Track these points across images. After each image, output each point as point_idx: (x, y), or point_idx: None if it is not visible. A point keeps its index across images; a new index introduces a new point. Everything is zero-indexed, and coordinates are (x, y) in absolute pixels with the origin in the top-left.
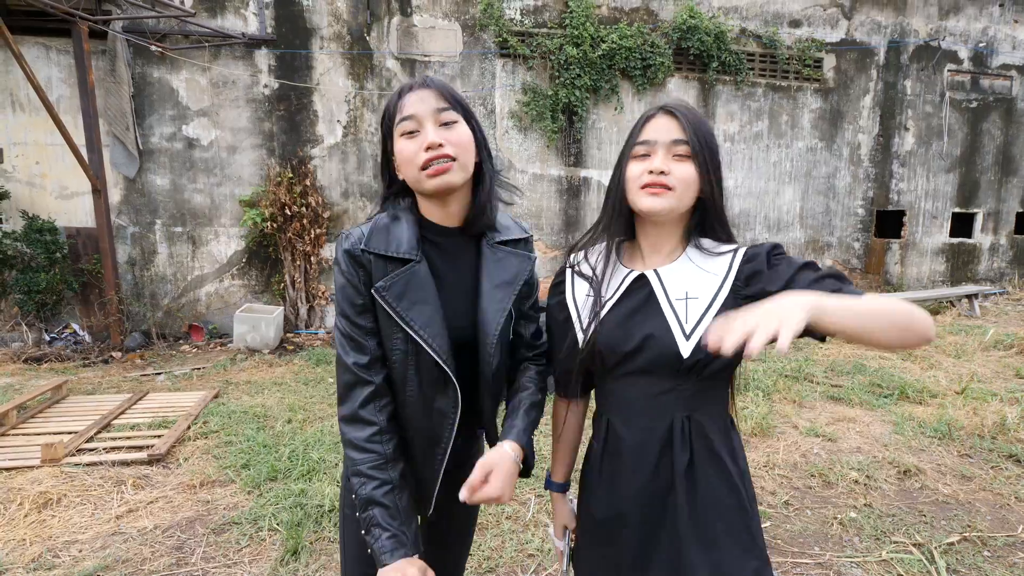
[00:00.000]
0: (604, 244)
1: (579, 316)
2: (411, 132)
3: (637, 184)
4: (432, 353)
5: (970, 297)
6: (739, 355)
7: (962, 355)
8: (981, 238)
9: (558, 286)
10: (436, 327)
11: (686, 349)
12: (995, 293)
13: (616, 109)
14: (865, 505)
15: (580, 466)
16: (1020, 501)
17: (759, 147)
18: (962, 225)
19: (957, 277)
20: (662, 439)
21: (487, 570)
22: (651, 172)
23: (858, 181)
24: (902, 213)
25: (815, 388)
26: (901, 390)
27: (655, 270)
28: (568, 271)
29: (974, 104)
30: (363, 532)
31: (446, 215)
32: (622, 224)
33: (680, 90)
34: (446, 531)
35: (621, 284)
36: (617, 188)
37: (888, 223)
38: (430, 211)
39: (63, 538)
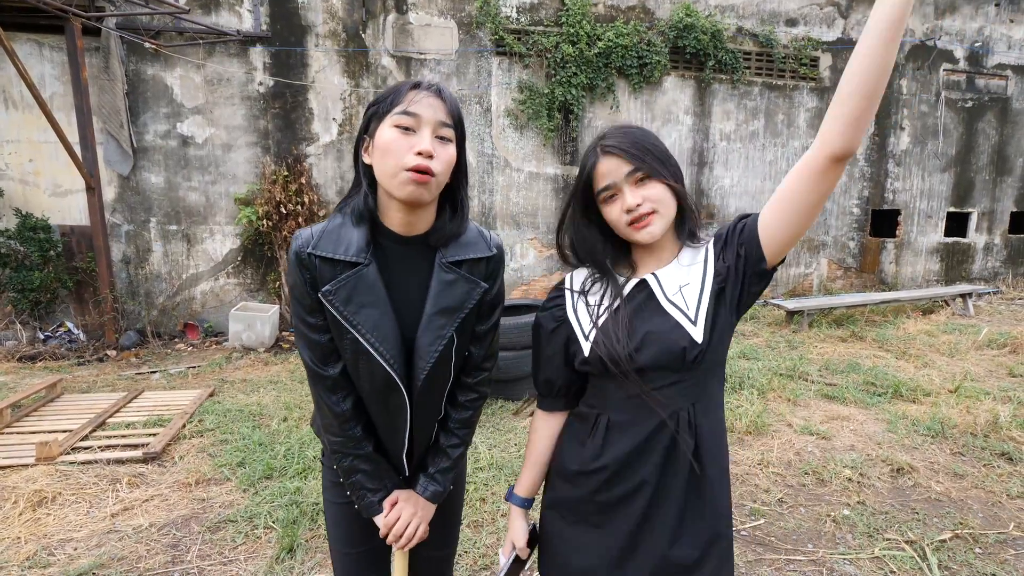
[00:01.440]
0: (594, 265)
1: (579, 324)
2: (407, 128)
3: (623, 224)
4: (379, 357)
5: (964, 296)
6: (732, 328)
7: (956, 354)
8: (976, 237)
9: (555, 299)
10: (385, 330)
11: (698, 334)
12: (989, 292)
13: (612, 107)
14: (858, 503)
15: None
16: (1012, 498)
17: (755, 146)
18: (957, 224)
19: (951, 276)
20: (667, 433)
21: (482, 567)
22: (628, 211)
23: (853, 180)
24: (897, 212)
25: (809, 387)
26: (895, 388)
27: (653, 273)
28: (567, 284)
29: (969, 104)
30: (352, 497)
31: (406, 224)
32: (614, 250)
33: (676, 88)
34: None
35: (621, 291)
36: (587, 232)
37: (883, 222)
38: (390, 217)
39: (58, 536)
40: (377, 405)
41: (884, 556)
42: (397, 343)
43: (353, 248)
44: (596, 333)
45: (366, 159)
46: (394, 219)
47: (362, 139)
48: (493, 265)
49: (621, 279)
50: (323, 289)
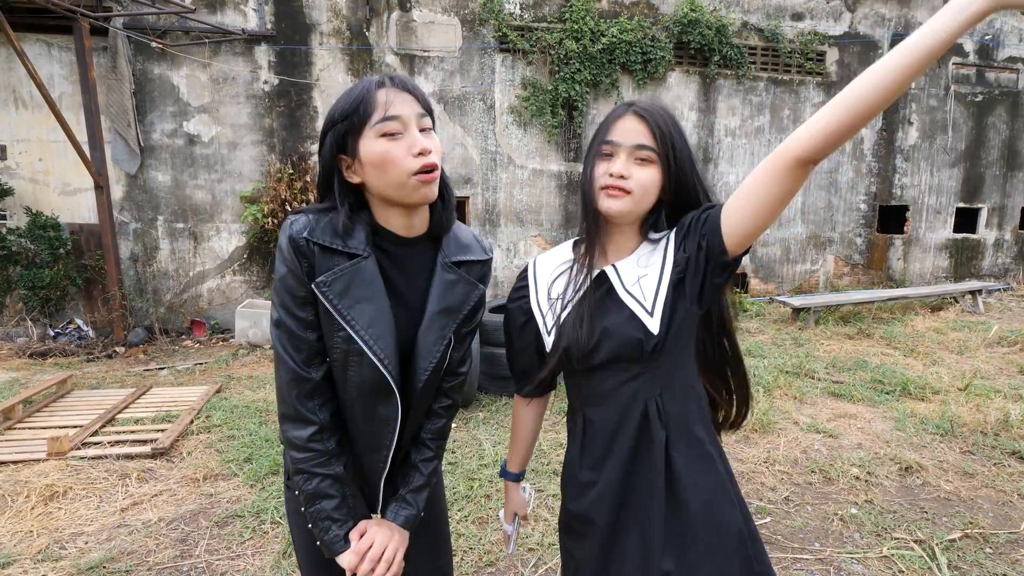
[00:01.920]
0: (566, 247)
1: (544, 319)
2: (395, 134)
3: (598, 184)
4: (373, 356)
5: (974, 293)
6: (695, 318)
7: (965, 351)
8: (985, 233)
9: (520, 290)
10: (381, 328)
11: (654, 325)
12: (999, 289)
13: (616, 104)
14: (866, 501)
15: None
16: (1023, 498)
17: (760, 141)
18: (966, 220)
19: (961, 273)
20: (637, 424)
21: (487, 564)
22: (611, 175)
23: (860, 176)
24: (905, 208)
25: (816, 384)
26: (903, 386)
27: (613, 265)
28: (530, 276)
29: (979, 97)
30: (311, 526)
31: (407, 225)
32: (592, 222)
33: (681, 84)
34: (413, 541)
35: (583, 283)
36: (585, 187)
37: (891, 218)
38: (389, 219)
39: (69, 530)
40: (363, 415)
41: (893, 555)
42: (392, 344)
43: (354, 240)
44: (556, 329)
45: (353, 178)
46: (396, 223)
47: (339, 159)
48: (486, 269)
49: (584, 270)
50: (318, 279)
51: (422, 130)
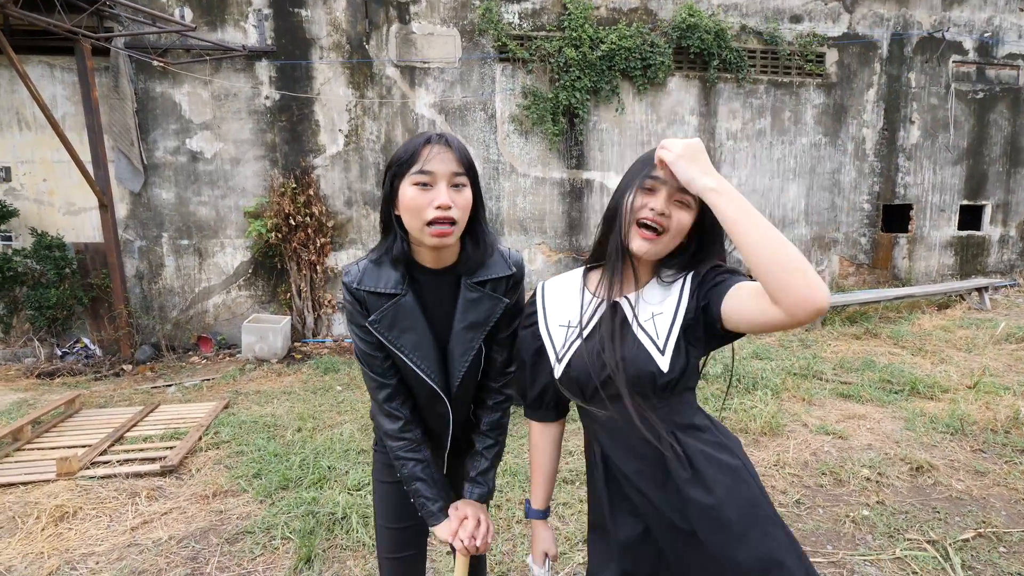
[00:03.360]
0: (576, 274)
1: (554, 347)
2: (424, 184)
3: (635, 219)
4: (420, 373)
5: (980, 290)
6: (700, 357)
7: (973, 349)
8: (990, 230)
9: (530, 316)
10: (424, 349)
11: (664, 363)
12: (1005, 285)
13: (617, 110)
14: (878, 502)
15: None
16: None
17: (762, 144)
18: (971, 217)
19: (966, 270)
20: (657, 458)
21: (499, 574)
22: (652, 209)
23: (863, 176)
24: (909, 207)
25: (824, 386)
26: (912, 386)
27: (626, 297)
28: (539, 301)
29: (980, 95)
30: (412, 500)
31: (435, 260)
32: (616, 252)
33: (681, 89)
34: None
35: (596, 313)
36: (617, 214)
37: (895, 217)
38: (422, 255)
39: (80, 551)
40: (428, 411)
41: (906, 557)
42: (436, 358)
43: (391, 282)
44: (569, 356)
45: (396, 212)
46: (425, 257)
47: (391, 198)
48: (513, 282)
49: (596, 299)
50: (370, 319)
51: (454, 185)
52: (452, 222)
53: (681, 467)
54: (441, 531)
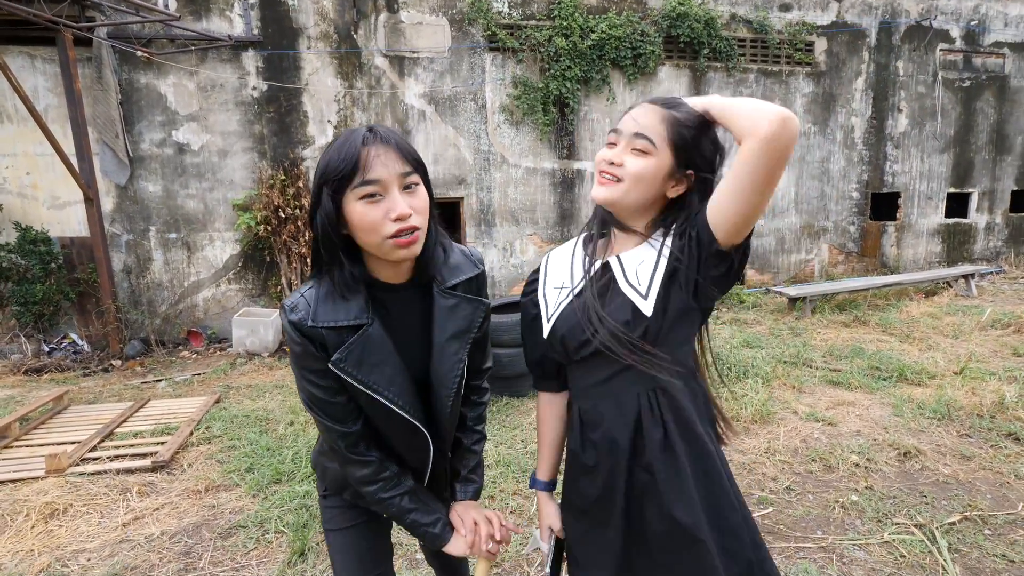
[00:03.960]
0: (576, 239)
1: (546, 308)
2: (372, 195)
3: (597, 171)
4: (398, 410)
5: (967, 277)
6: (695, 315)
7: (960, 335)
8: (977, 218)
9: (531, 284)
10: (399, 385)
11: (647, 307)
12: (992, 272)
13: (608, 100)
14: (866, 488)
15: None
16: (1020, 479)
17: None
18: (957, 205)
19: (953, 257)
20: (632, 417)
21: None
22: (605, 161)
23: (852, 164)
24: (897, 195)
25: (814, 373)
26: (900, 372)
27: (617, 256)
28: (542, 270)
29: (967, 83)
30: (416, 537)
31: (396, 273)
32: (597, 213)
33: (671, 79)
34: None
35: (586, 272)
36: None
37: (883, 205)
38: (379, 270)
39: (71, 547)
40: (403, 444)
41: (894, 540)
42: (411, 391)
43: (354, 310)
44: (556, 317)
45: (343, 230)
46: (384, 272)
47: (335, 218)
48: (481, 280)
49: (587, 260)
50: (333, 359)
51: (406, 187)
52: (415, 229)
53: (654, 426)
54: (457, 548)
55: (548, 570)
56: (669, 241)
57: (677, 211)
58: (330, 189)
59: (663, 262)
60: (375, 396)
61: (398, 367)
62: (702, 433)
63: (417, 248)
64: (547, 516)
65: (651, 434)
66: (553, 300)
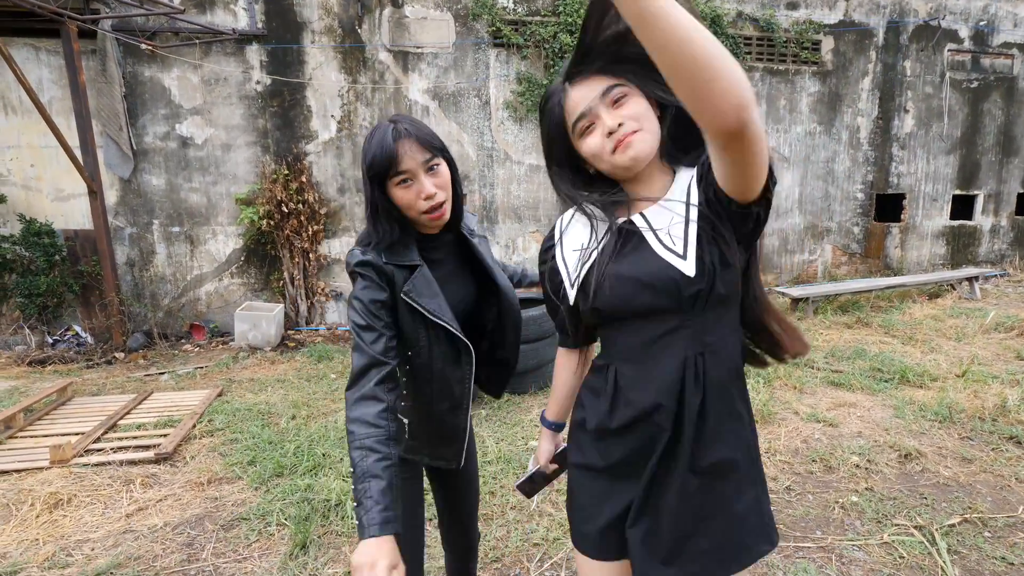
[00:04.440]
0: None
1: (568, 272)
2: (405, 181)
3: (607, 154)
4: (449, 327)
5: (971, 280)
6: (743, 278)
7: (963, 338)
8: (982, 220)
9: (548, 250)
10: (447, 312)
11: (689, 268)
12: (996, 275)
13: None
14: (866, 489)
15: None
16: (1020, 482)
17: None
18: (963, 207)
19: (958, 260)
20: (675, 379)
21: (493, 559)
22: (610, 134)
23: (857, 165)
24: (902, 196)
25: (815, 374)
26: (902, 374)
27: (641, 213)
28: (557, 231)
29: (975, 84)
30: (355, 504)
31: (433, 228)
32: (605, 183)
33: None
34: (460, 480)
35: (607, 235)
36: (566, 175)
37: (888, 207)
38: (421, 227)
39: (75, 537)
40: (440, 383)
41: (893, 541)
42: (455, 319)
43: (413, 255)
44: (580, 281)
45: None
46: (425, 228)
47: (378, 201)
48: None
49: (609, 220)
50: (404, 289)
51: (429, 169)
52: (442, 204)
53: (695, 392)
54: (363, 553)
55: (517, 484)
56: (694, 192)
57: (675, 150)
58: (377, 180)
59: (693, 218)
60: (432, 318)
61: (442, 299)
62: (740, 410)
63: (445, 217)
64: (541, 449)
65: (690, 401)
66: (574, 263)
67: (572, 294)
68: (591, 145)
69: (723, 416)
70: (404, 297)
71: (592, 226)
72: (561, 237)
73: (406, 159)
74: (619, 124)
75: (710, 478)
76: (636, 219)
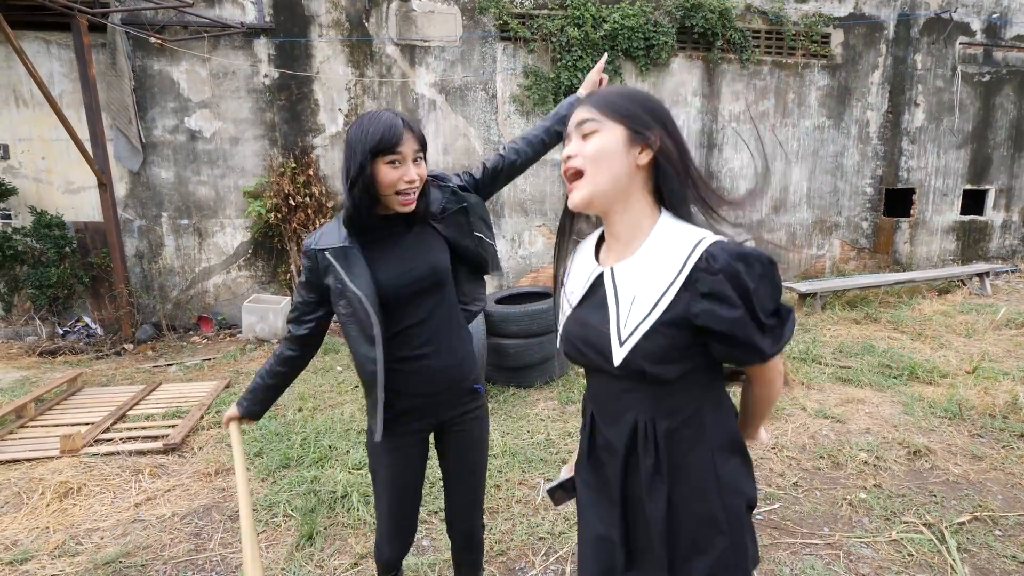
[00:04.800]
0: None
1: (561, 312)
2: (394, 163)
3: (564, 176)
4: (367, 306)
5: (981, 275)
6: (704, 363)
7: (973, 334)
8: (993, 215)
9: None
10: (370, 297)
11: (618, 356)
12: (1007, 271)
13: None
14: (875, 486)
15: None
16: None
17: (765, 126)
18: (973, 202)
19: (968, 255)
20: (628, 438)
21: (498, 553)
22: (564, 159)
23: (866, 159)
24: (912, 191)
25: (824, 370)
26: (911, 370)
27: (612, 267)
28: (569, 265)
29: (987, 77)
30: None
31: (400, 209)
32: (567, 221)
33: (684, 70)
34: (452, 464)
35: (586, 283)
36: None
37: (897, 201)
38: (385, 209)
39: (85, 526)
40: (357, 356)
41: (902, 539)
42: (377, 306)
43: (342, 239)
44: (561, 327)
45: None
46: (388, 208)
47: (360, 171)
48: (456, 186)
49: (592, 267)
50: (328, 250)
51: (415, 159)
52: (415, 191)
53: (646, 454)
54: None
55: (548, 488)
56: (676, 287)
57: (666, 190)
58: (371, 153)
59: (658, 312)
60: (350, 287)
61: (371, 285)
62: (703, 469)
63: (412, 206)
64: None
65: (643, 461)
66: (565, 305)
67: (557, 336)
68: (566, 150)
69: (687, 499)
70: (328, 257)
71: (581, 268)
72: (570, 270)
73: (406, 144)
74: (568, 156)
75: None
76: (606, 273)
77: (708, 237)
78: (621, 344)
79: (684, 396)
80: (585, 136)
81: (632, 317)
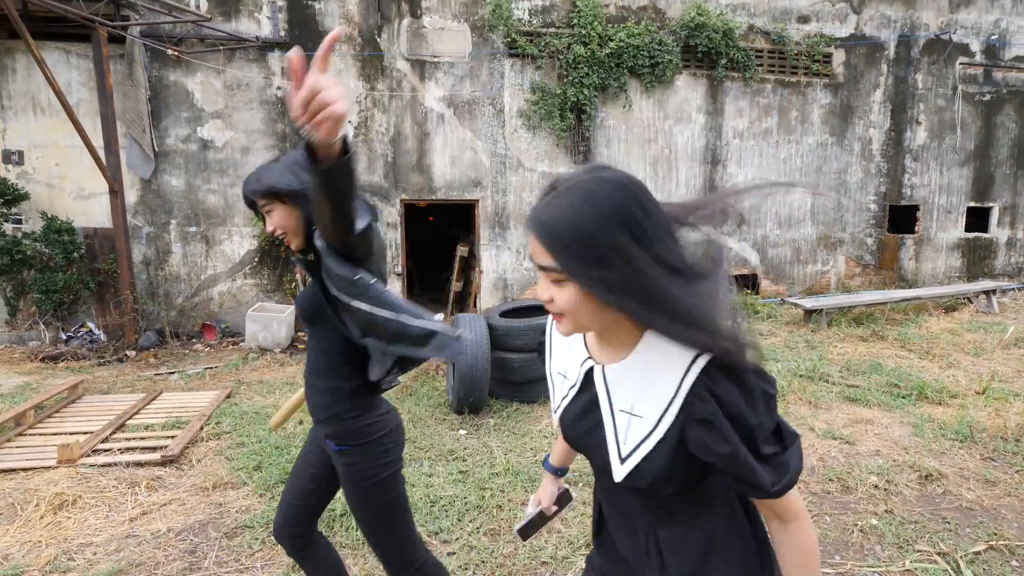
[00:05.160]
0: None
1: (554, 394)
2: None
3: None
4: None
5: (988, 293)
6: (701, 475)
7: (981, 353)
8: (997, 232)
9: (541, 345)
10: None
11: (619, 473)
12: (1013, 288)
13: (625, 107)
14: (886, 511)
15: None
16: None
17: (768, 143)
18: (978, 219)
19: (973, 272)
20: (633, 544)
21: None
22: (544, 301)
23: (870, 176)
24: (915, 208)
25: (831, 388)
26: (919, 390)
27: (603, 367)
28: (547, 336)
29: (987, 97)
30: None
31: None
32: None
33: (688, 87)
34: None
35: (578, 374)
36: None
37: (901, 218)
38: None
39: (78, 540)
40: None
41: (915, 569)
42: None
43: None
44: (559, 415)
45: None
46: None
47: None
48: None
49: (581, 353)
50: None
51: (267, 212)
52: (284, 234)
53: (649, 569)
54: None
55: (518, 528)
56: (673, 411)
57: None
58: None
59: (655, 436)
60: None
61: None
62: None
63: (293, 244)
64: (542, 490)
65: (648, 573)
66: (559, 389)
67: (555, 419)
68: (538, 291)
69: None
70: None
71: (570, 355)
72: (551, 344)
73: (257, 202)
74: (549, 299)
75: None
76: (597, 373)
77: (701, 356)
78: (622, 462)
79: (689, 510)
80: (556, 282)
81: (631, 435)
